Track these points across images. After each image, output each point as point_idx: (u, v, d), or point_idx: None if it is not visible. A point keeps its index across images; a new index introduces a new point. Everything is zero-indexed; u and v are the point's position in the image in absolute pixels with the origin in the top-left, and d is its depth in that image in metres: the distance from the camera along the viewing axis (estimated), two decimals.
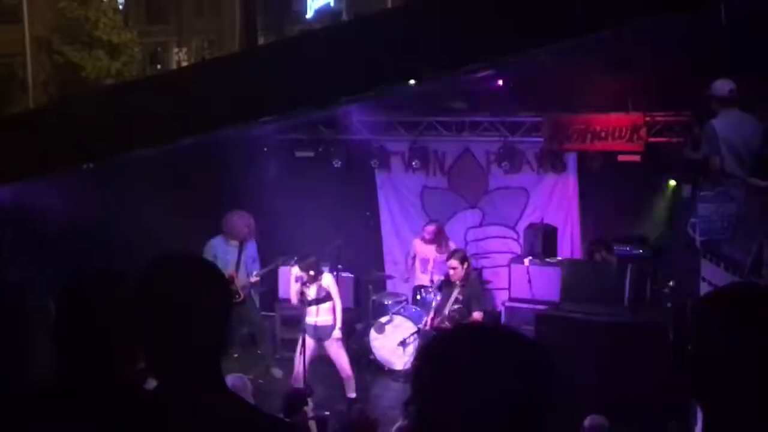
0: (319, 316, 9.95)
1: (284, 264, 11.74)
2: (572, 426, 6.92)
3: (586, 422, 6.99)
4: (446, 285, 10.46)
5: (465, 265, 10.30)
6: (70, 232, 8.77)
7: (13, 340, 7.25)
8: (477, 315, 10.13)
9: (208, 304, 2.34)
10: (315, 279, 9.91)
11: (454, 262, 10.18)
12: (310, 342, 9.97)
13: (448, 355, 1.91)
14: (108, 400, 2.43)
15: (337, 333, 10.05)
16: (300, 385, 9.57)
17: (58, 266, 7.79)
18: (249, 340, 12.27)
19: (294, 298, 10.02)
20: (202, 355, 2.33)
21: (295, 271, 9.99)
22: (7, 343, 7.25)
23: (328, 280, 10.08)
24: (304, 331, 9.92)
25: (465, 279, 10.28)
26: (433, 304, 10.63)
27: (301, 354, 9.82)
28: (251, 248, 11.53)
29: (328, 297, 9.95)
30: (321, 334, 10.02)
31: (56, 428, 2.50)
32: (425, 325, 10.58)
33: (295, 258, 10.24)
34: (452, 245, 11.61)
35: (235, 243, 11.29)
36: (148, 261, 2.40)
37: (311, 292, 9.89)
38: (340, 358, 10.14)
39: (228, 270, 11.06)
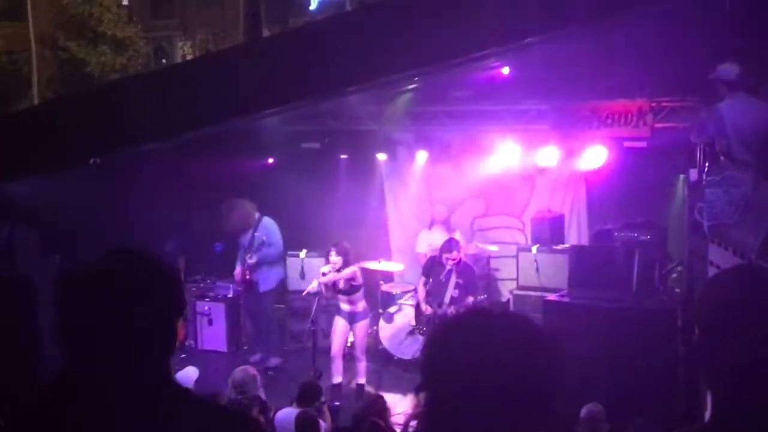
0: (353, 304, 10.37)
1: (308, 255, 12.24)
2: (579, 411, 6.95)
3: (583, 412, 7.00)
4: (446, 272, 10.46)
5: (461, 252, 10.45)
6: (78, 226, 8.79)
7: (21, 335, 7.29)
8: (471, 299, 10.22)
9: (153, 304, 2.32)
10: (348, 264, 10.19)
11: (456, 254, 10.22)
12: (340, 322, 10.39)
13: (458, 341, 1.92)
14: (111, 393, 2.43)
15: (364, 323, 10.54)
16: (339, 363, 10.31)
17: (66, 261, 7.81)
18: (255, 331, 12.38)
19: (313, 289, 10.31)
20: (146, 351, 2.31)
21: (325, 269, 10.26)
22: (15, 338, 7.28)
23: (351, 271, 10.32)
24: (340, 316, 10.42)
25: (459, 263, 10.33)
26: (426, 288, 10.71)
27: (334, 335, 10.42)
28: (257, 233, 11.55)
29: (359, 286, 10.35)
30: (355, 318, 10.41)
31: (63, 423, 2.50)
32: (426, 311, 10.59)
33: (331, 246, 10.41)
34: (458, 233, 11.64)
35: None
36: (104, 252, 2.40)
37: (342, 279, 10.22)
38: (362, 343, 10.48)
39: (240, 252, 11.31)
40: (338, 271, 10.12)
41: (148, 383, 2.31)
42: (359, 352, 10.43)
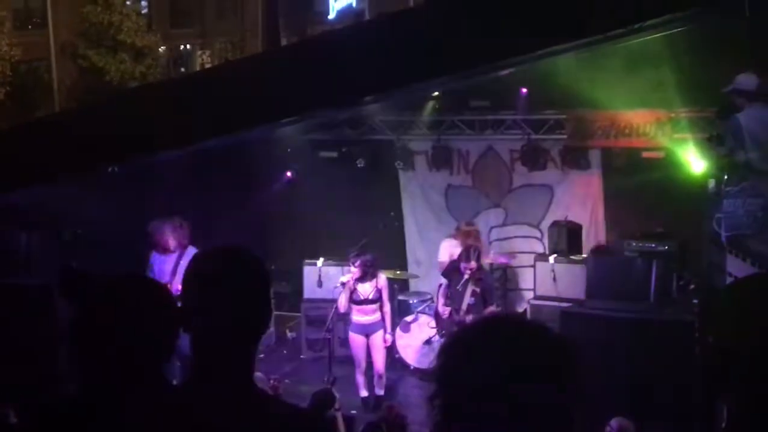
0: (366, 315, 10.14)
1: (326, 264, 12.07)
2: (598, 424, 6.89)
3: (613, 423, 6.94)
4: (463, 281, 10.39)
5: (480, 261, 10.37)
6: (97, 233, 8.84)
7: (39, 341, 7.32)
8: (491, 308, 10.12)
9: (149, 328, 2.51)
10: (372, 276, 10.07)
11: (474, 264, 10.12)
12: (359, 339, 10.18)
13: (473, 349, 1.90)
14: (132, 403, 2.44)
15: (381, 333, 10.21)
16: (362, 376, 10.20)
17: (82, 270, 7.84)
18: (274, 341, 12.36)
19: (342, 306, 10.16)
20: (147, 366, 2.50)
21: (344, 278, 10.14)
22: (32, 344, 7.31)
23: (383, 280, 10.24)
24: (353, 330, 10.23)
25: (478, 271, 10.25)
26: (442, 299, 10.65)
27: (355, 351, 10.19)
28: (189, 255, 10.81)
29: (379, 297, 10.14)
30: (368, 330, 10.19)
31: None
32: (443, 314, 10.50)
33: (353, 254, 10.30)
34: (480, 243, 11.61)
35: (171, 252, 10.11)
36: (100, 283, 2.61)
37: (365, 289, 10.06)
38: (380, 355, 10.28)
39: (163, 279, 9.87)
40: (372, 277, 10.04)
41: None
42: (377, 370, 10.29)
